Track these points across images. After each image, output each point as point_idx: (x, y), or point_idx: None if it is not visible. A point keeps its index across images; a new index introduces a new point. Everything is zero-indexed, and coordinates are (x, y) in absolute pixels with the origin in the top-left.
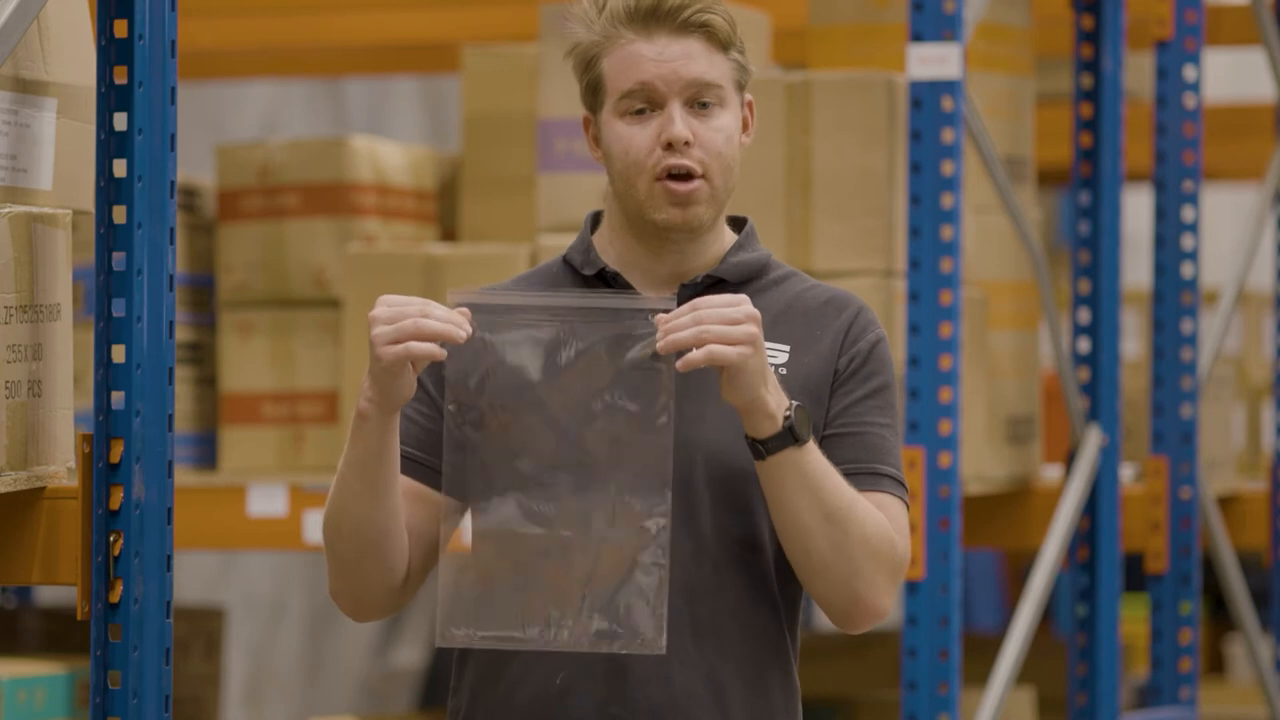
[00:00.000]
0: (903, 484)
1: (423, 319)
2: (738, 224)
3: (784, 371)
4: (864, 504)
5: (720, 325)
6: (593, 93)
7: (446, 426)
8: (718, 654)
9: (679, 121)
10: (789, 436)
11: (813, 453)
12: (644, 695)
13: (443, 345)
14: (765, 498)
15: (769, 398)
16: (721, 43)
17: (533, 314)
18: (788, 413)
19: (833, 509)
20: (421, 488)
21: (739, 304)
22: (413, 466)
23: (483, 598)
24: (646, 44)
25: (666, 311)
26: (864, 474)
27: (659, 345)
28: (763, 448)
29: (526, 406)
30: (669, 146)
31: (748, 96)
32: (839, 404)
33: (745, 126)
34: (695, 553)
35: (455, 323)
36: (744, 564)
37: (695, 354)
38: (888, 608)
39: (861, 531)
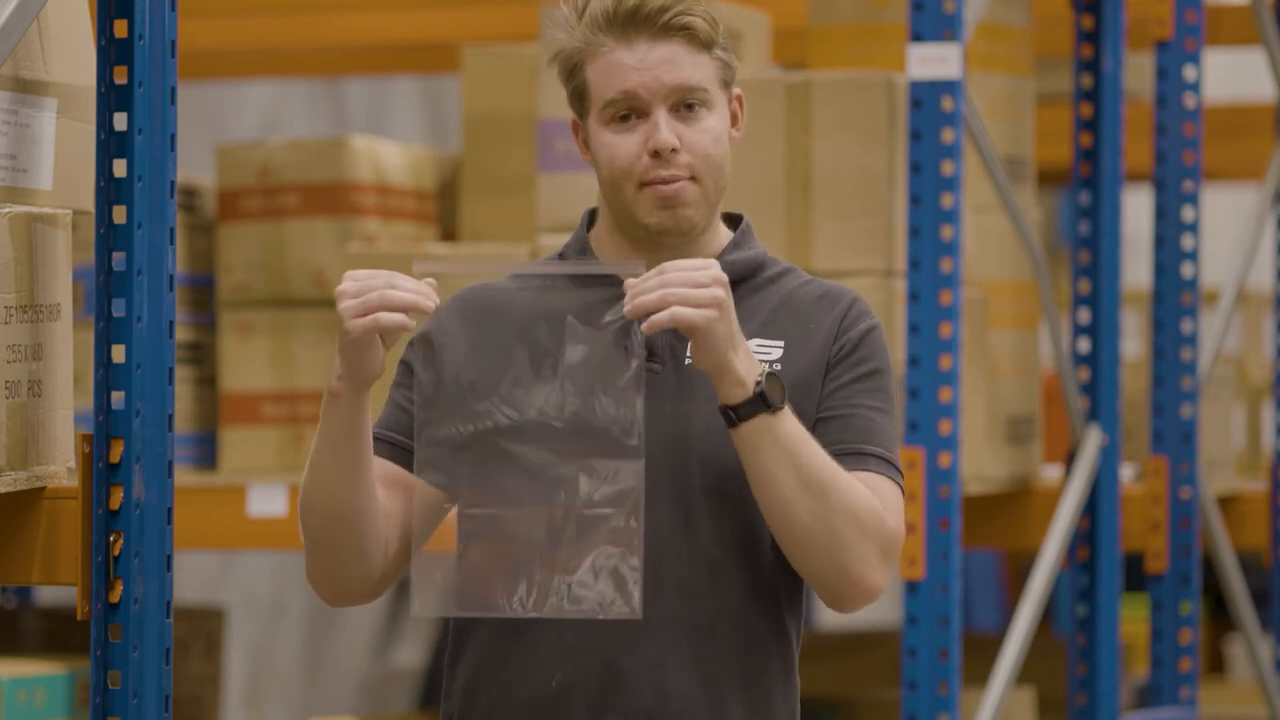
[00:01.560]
0: (894, 465)
1: (389, 290)
2: (734, 221)
3: (778, 368)
4: (848, 477)
5: (685, 288)
6: (578, 99)
7: (418, 399)
8: (715, 657)
9: (664, 129)
10: (760, 402)
11: (788, 420)
12: (640, 699)
13: (411, 316)
14: (745, 472)
15: (738, 363)
16: (703, 43)
17: (501, 283)
18: (759, 378)
19: (811, 478)
20: (404, 473)
21: (706, 268)
22: (398, 452)
23: (457, 567)
24: (627, 51)
25: (635, 276)
26: (849, 454)
27: (626, 309)
28: (734, 414)
29: (497, 374)
30: (655, 154)
31: (736, 90)
32: (828, 388)
33: (735, 121)
34: (692, 555)
35: (422, 293)
36: (742, 566)
37: (660, 316)
38: (880, 585)
39: (845, 503)
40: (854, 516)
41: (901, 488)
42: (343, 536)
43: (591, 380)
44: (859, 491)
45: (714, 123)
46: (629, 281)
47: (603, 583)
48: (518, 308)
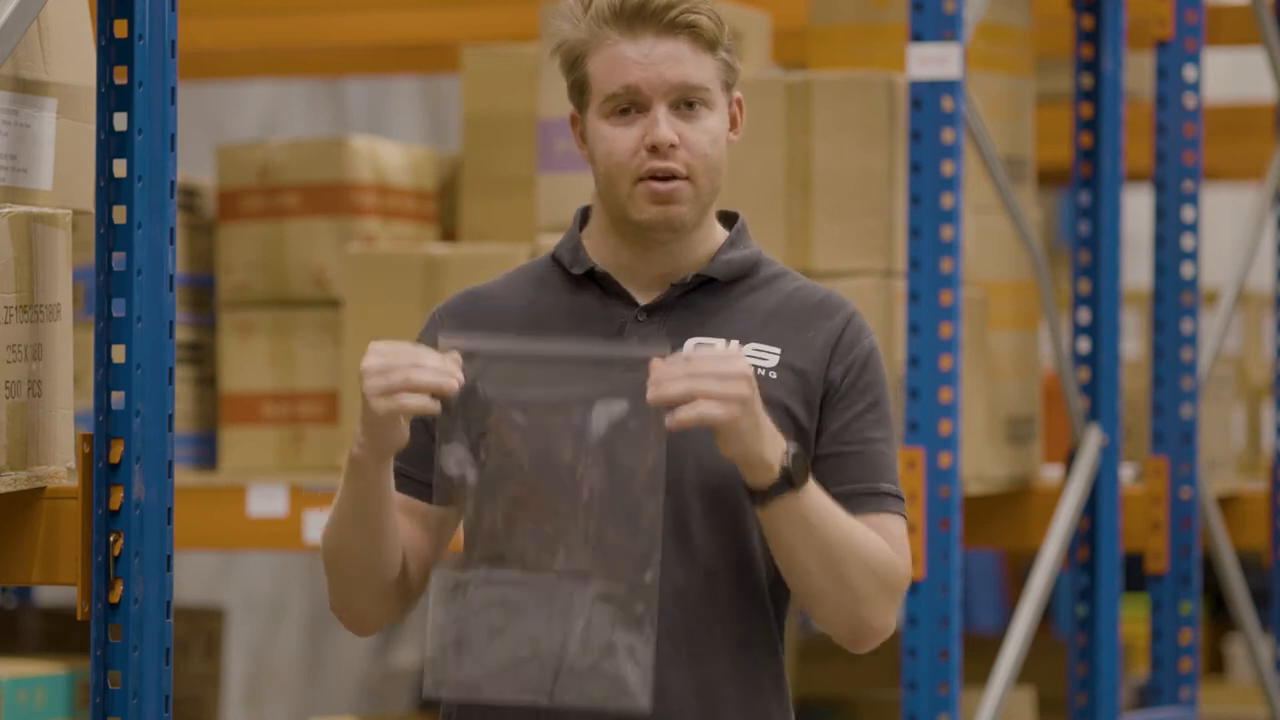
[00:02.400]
0: (901, 497)
1: (414, 370)
2: (729, 219)
3: (773, 376)
4: (863, 533)
5: (712, 382)
6: (579, 92)
7: (437, 470)
8: (710, 662)
9: (664, 125)
10: (785, 484)
11: (810, 494)
12: None
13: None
14: (764, 537)
15: (765, 450)
16: (708, 43)
17: (526, 361)
18: (785, 462)
19: (833, 547)
20: (418, 503)
21: (732, 360)
22: (410, 484)
23: (472, 651)
24: (631, 45)
25: (661, 358)
26: (867, 495)
27: (649, 396)
28: (760, 497)
29: (517, 455)
30: (653, 149)
31: (736, 94)
32: (837, 420)
33: (734, 124)
34: (686, 561)
35: (447, 373)
36: (735, 571)
37: (686, 414)
38: (891, 626)
39: (863, 563)
40: (873, 574)
41: (905, 516)
42: (366, 581)
43: (612, 464)
44: (875, 546)
45: (713, 123)
46: (655, 363)
47: (613, 673)
48: (536, 377)
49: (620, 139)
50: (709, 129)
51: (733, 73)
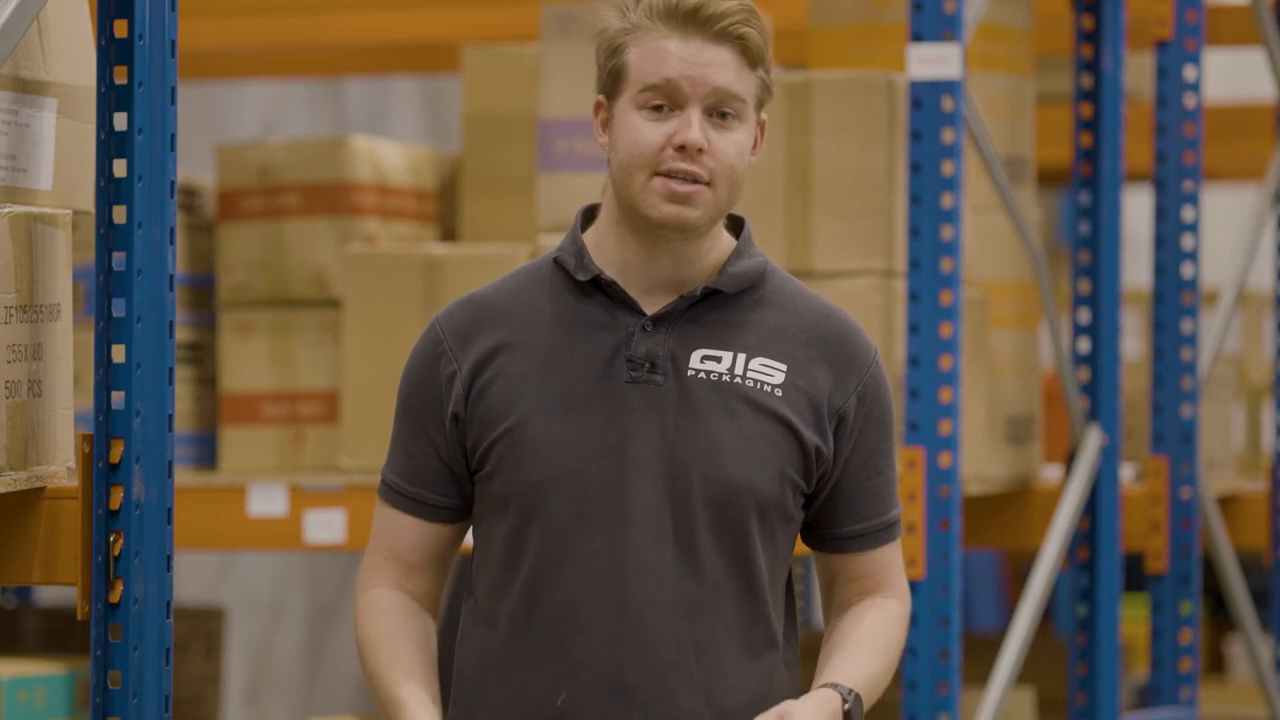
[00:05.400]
0: (899, 515)
1: None
2: (734, 224)
3: (779, 393)
4: (891, 649)
5: None
6: (613, 79)
7: None
8: (719, 671)
9: (696, 128)
10: None
11: (868, 699)
12: (646, 716)
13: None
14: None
15: None
16: (753, 58)
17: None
18: None
19: (880, 691)
20: (433, 528)
21: None
22: (422, 508)
23: None
24: (679, 43)
25: None
26: (879, 529)
27: None
28: None
29: None
30: (681, 149)
31: (762, 116)
32: (858, 456)
33: (754, 145)
34: (694, 572)
35: None
36: (741, 581)
37: None
38: None
39: (894, 666)
40: (896, 662)
41: (901, 521)
42: None
43: None
44: (898, 647)
45: (741, 136)
46: None
47: None
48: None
49: (649, 132)
50: (737, 141)
51: (767, 93)
